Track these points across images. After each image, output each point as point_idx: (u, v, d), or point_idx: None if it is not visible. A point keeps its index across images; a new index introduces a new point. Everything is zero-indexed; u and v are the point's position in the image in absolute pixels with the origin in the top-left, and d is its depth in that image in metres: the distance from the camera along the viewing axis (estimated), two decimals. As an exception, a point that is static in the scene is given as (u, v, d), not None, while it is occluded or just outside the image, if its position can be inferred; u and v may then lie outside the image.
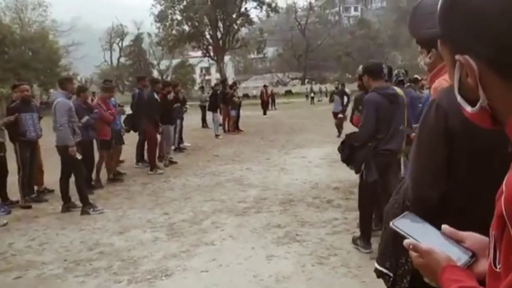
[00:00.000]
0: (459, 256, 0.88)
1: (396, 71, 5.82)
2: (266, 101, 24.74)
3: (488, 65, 0.71)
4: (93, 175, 7.68)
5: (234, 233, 5.12)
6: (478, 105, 0.76)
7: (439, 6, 0.80)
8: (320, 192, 6.78)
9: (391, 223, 0.99)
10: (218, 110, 14.70)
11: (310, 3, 56.11)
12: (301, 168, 8.76)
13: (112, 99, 8.44)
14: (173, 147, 10.77)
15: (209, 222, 5.59)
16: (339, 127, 11.83)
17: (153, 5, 41.24)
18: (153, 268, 4.20)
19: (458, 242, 0.92)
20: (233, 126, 15.68)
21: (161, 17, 41.11)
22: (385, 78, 4.39)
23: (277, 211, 5.89)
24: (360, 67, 4.88)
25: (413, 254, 0.93)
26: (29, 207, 6.57)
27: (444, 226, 0.95)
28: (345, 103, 12.87)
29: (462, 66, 0.76)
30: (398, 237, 1.65)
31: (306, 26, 56.70)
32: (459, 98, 0.80)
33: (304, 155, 10.21)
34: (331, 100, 14.80)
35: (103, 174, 8.02)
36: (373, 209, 4.44)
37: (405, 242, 0.94)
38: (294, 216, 5.62)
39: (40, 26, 43.29)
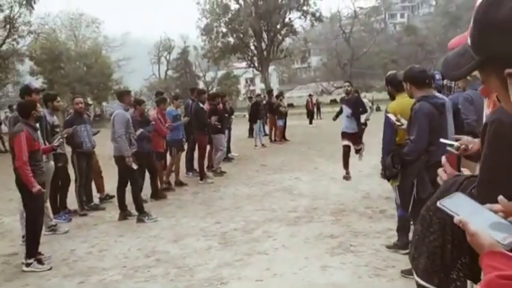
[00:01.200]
0: (505, 235, 0.86)
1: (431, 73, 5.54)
2: (312, 110, 24.67)
3: None
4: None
5: (287, 242, 5.10)
6: None
7: (470, 37, 0.81)
8: (372, 202, 6.64)
9: (438, 203, 0.97)
10: (258, 121, 14.76)
11: (355, 11, 55.50)
12: (351, 178, 8.62)
13: (178, 109, 8.95)
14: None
15: (261, 231, 5.60)
16: (346, 158, 8.12)
17: (199, 19, 42.26)
18: (208, 276, 4.25)
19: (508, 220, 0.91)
20: (280, 136, 15.71)
21: (207, 30, 41.97)
22: (433, 85, 4.19)
23: (329, 221, 5.83)
24: (390, 73, 4.70)
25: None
26: (85, 215, 6.86)
27: (500, 198, 0.93)
28: (364, 118, 9.08)
29: None
30: (446, 251, 1.56)
31: (351, 34, 56.09)
32: None
33: (353, 164, 10.04)
34: (337, 115, 9.50)
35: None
36: None
37: (455, 219, 0.92)
38: (347, 226, 5.54)
39: (93, 42, 45.47)
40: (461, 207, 0.95)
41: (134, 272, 4.51)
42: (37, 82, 30.86)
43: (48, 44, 35.78)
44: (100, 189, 7.75)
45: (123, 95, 6.86)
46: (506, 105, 0.83)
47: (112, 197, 7.57)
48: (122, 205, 6.61)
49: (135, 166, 6.41)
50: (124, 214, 6.58)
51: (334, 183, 8.25)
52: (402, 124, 3.84)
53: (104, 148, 7.71)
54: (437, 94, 4.14)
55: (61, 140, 5.80)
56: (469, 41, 0.83)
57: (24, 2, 25.20)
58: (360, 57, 56.28)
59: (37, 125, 5.33)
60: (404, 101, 4.10)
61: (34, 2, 25.15)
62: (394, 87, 4.39)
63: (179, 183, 8.79)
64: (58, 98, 6.97)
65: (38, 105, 5.42)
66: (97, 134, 7.74)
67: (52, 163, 6.07)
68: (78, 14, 45.82)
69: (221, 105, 10.12)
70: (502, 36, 0.74)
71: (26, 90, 6.04)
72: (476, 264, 1.46)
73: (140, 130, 7.31)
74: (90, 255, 5.13)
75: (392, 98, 4.52)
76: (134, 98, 7.79)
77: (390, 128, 4.11)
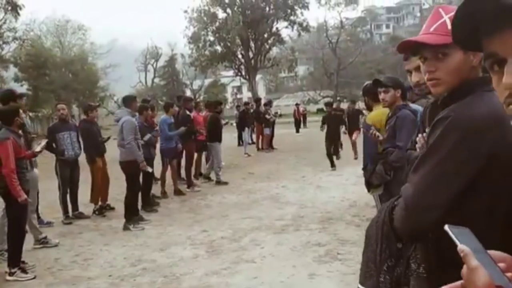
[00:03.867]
0: (504, 283, 0.86)
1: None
2: (299, 119, 24.81)
3: None
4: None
5: (274, 250, 5.10)
6: None
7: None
8: (359, 210, 6.68)
9: (446, 226, 0.97)
10: (246, 129, 14.79)
11: (341, 21, 56.07)
12: (337, 186, 8.68)
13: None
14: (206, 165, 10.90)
15: (248, 239, 5.59)
16: None
17: (186, 27, 42.29)
18: (195, 285, 4.23)
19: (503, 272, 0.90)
20: (267, 144, 15.75)
21: (194, 39, 41.98)
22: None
23: (316, 229, 5.84)
24: (367, 83, 4.79)
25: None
26: (70, 223, 6.76)
27: (498, 253, 0.93)
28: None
29: None
30: (381, 255, 1.59)
31: (337, 45, 56.65)
32: None
33: (340, 173, 10.12)
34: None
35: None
36: None
37: (459, 247, 0.92)
38: (334, 235, 5.56)
39: (79, 49, 45.01)
40: (465, 240, 0.94)
41: (120, 281, 4.46)
42: (22, 89, 30.50)
43: (33, 51, 35.35)
44: (103, 198, 7.52)
45: (129, 101, 6.85)
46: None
47: (112, 208, 7.48)
48: (135, 211, 6.56)
49: (150, 169, 6.42)
50: (138, 218, 6.54)
51: (321, 192, 8.29)
52: (379, 136, 3.86)
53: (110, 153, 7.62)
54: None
55: (43, 145, 5.69)
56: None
57: (10, 8, 24.96)
58: (346, 66, 56.83)
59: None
60: (382, 111, 4.15)
61: (20, 9, 24.94)
62: (371, 97, 4.44)
63: (178, 192, 8.62)
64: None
65: (21, 111, 5.33)
66: (107, 141, 7.71)
67: (36, 171, 5.92)
68: (64, 20, 45.38)
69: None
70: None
71: (10, 96, 5.93)
72: (399, 267, 1.48)
73: (148, 135, 7.29)
74: (75, 264, 5.06)
75: (369, 108, 4.57)
76: (140, 104, 7.75)
77: (371, 140, 4.14)
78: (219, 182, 9.54)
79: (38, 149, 5.59)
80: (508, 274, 0.87)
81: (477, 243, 0.93)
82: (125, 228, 6.28)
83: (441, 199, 1.24)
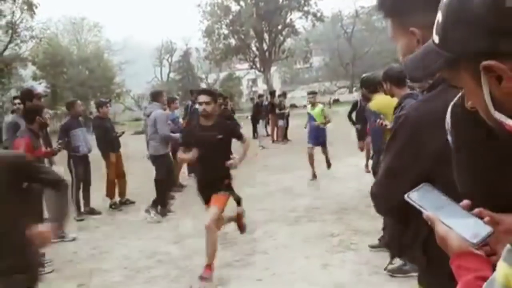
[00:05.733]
0: (476, 232, 0.84)
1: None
2: (314, 111, 24.72)
3: None
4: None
5: (287, 242, 5.12)
6: None
7: (437, 34, 0.79)
8: (373, 201, 6.63)
9: (405, 195, 0.96)
10: (261, 121, 14.80)
11: (356, 10, 55.43)
12: (352, 176, 8.61)
13: (176, 111, 8.89)
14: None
15: (261, 231, 5.61)
16: None
17: (200, 21, 42.34)
18: (209, 276, 4.26)
19: (477, 216, 0.89)
20: (281, 136, 15.73)
21: (208, 32, 42.01)
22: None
23: (330, 220, 5.83)
24: (365, 75, 4.78)
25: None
26: (82, 220, 6.78)
27: (465, 201, 0.92)
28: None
29: (489, 78, 0.73)
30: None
31: (352, 34, 56.07)
32: (497, 115, 0.76)
33: (355, 164, 10.03)
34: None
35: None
36: None
37: (424, 214, 0.91)
38: (348, 225, 5.54)
39: (95, 46, 45.61)
40: (428, 200, 0.93)
41: (135, 273, 4.54)
42: (40, 87, 31.08)
43: (50, 49, 35.93)
44: (122, 193, 7.64)
45: (158, 95, 7.12)
46: (475, 100, 0.81)
47: (133, 202, 7.59)
48: (163, 202, 6.72)
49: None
50: (165, 211, 6.69)
51: (336, 182, 8.26)
52: (387, 125, 3.84)
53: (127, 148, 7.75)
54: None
55: (59, 145, 5.80)
56: (436, 39, 0.81)
57: (25, 7, 25.35)
58: (362, 56, 56.25)
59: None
60: (385, 98, 4.11)
61: (36, 7, 25.30)
62: (368, 88, 4.42)
63: (179, 185, 8.72)
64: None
65: (45, 111, 5.39)
66: (122, 135, 7.85)
67: (57, 168, 5.92)
68: (80, 18, 46.02)
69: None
70: (478, 29, 0.72)
71: (28, 95, 6.03)
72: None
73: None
74: (92, 257, 5.17)
75: (367, 100, 4.55)
76: (168, 97, 7.95)
77: (377, 129, 4.12)
78: None
79: (57, 148, 5.68)
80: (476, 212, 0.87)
81: (441, 197, 0.93)
82: (146, 211, 6.48)
83: (394, 194, 1.24)
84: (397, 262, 3.92)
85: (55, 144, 6.03)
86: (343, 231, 5.29)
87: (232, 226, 5.87)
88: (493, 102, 0.76)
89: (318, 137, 8.74)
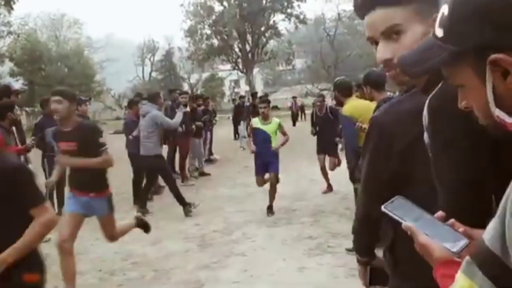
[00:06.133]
0: (454, 242, 0.86)
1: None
2: (296, 113, 24.84)
3: None
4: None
5: (265, 244, 5.10)
6: None
7: (441, 27, 0.78)
8: (351, 203, 6.64)
9: (383, 207, 0.96)
10: (242, 122, 14.82)
11: (338, 14, 55.87)
12: (331, 179, 8.65)
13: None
14: (203, 159, 10.89)
15: (240, 233, 5.59)
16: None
17: (183, 21, 42.09)
18: (185, 278, 4.22)
19: (452, 227, 0.90)
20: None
21: (191, 32, 41.81)
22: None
23: (308, 222, 5.84)
24: (338, 79, 4.82)
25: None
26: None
27: (439, 213, 0.93)
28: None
29: (494, 73, 0.72)
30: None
31: (335, 37, 56.52)
32: (497, 112, 0.75)
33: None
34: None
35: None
36: None
37: (403, 225, 0.91)
38: (326, 228, 5.56)
39: (75, 43, 44.83)
40: (405, 212, 0.94)
41: (110, 275, 4.45)
42: (18, 84, 30.41)
43: (28, 45, 35.24)
44: None
45: (155, 97, 7.12)
46: (474, 98, 0.79)
47: None
48: (181, 200, 6.73)
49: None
50: (187, 210, 6.66)
51: (315, 185, 8.28)
52: (366, 129, 3.88)
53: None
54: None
55: (33, 141, 5.66)
56: (440, 33, 0.79)
57: (3, 2, 24.79)
58: (344, 59, 56.75)
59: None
60: (360, 103, 4.15)
61: (14, 3, 24.76)
62: (341, 92, 4.44)
63: (158, 187, 8.61)
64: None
65: (16, 107, 5.31)
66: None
67: (30, 167, 5.88)
68: (59, 14, 45.19)
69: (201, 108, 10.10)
70: (485, 23, 0.71)
71: (6, 92, 5.89)
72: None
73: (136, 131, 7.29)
74: (65, 258, 5.03)
75: (340, 104, 4.57)
76: (129, 99, 7.80)
77: (351, 133, 4.15)
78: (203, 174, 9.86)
79: (30, 144, 5.56)
80: (460, 230, 0.88)
81: (416, 210, 0.94)
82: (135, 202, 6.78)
83: (373, 193, 1.33)
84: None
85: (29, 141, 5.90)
86: (321, 234, 5.30)
87: (210, 228, 5.85)
88: (494, 98, 0.75)
89: (267, 162, 6.55)
